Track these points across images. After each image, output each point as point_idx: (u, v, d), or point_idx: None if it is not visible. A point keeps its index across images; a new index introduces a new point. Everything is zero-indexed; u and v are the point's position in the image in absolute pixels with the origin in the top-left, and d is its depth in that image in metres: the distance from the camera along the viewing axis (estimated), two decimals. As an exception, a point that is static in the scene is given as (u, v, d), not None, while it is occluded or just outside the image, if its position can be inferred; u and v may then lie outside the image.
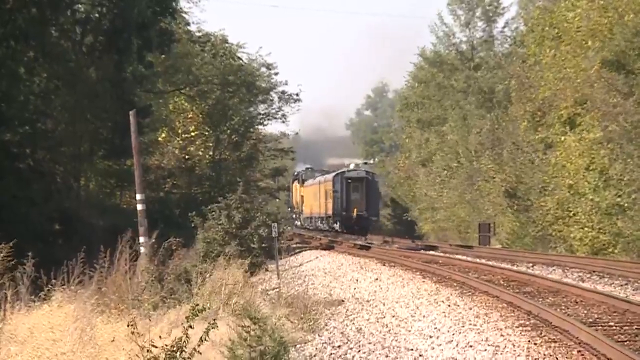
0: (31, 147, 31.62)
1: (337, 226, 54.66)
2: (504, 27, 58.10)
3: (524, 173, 39.82)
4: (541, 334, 14.33)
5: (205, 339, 9.93)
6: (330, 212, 55.88)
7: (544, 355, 12.77)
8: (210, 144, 49.48)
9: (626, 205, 31.33)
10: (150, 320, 13.43)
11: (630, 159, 31.44)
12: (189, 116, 48.70)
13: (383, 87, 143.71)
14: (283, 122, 54.95)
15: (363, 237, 47.33)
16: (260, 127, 55.05)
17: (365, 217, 53.11)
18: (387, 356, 13.29)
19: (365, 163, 68.59)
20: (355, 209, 53.19)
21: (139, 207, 21.93)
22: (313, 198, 61.82)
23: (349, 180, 54.13)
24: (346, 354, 13.52)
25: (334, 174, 56.88)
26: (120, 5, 33.88)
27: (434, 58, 60.11)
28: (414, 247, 38.58)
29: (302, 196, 65.04)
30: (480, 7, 57.82)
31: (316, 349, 14.04)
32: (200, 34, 48.39)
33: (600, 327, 14.57)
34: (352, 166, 59.95)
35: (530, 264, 27.46)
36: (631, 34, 31.40)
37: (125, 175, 35.26)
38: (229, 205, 28.44)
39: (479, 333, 14.73)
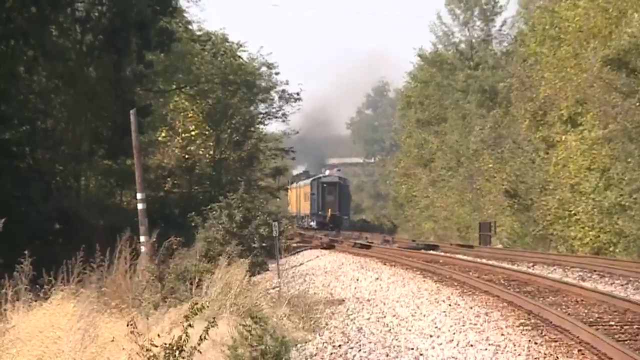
0: (30, 146, 31.59)
1: (313, 224, 63.45)
2: (501, 25, 58.13)
3: (525, 172, 39.78)
4: (542, 333, 14.32)
5: (205, 338, 9.91)
6: (308, 211, 65.25)
7: (545, 354, 12.75)
8: (211, 144, 49.45)
9: (627, 204, 31.31)
10: (148, 319, 13.42)
11: (631, 159, 31.42)
12: (190, 115, 48.67)
13: (383, 86, 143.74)
14: (283, 121, 55.10)
15: (345, 233, 54.37)
16: (260, 126, 55.18)
17: (338, 216, 62.70)
18: (387, 355, 13.27)
19: (339, 170, 77.31)
20: (329, 210, 62.39)
21: (140, 206, 21.88)
22: (296, 199, 71.07)
23: (324, 185, 63.96)
24: (347, 354, 13.51)
25: (311, 179, 66.45)
26: (119, 4, 33.84)
27: (433, 57, 60.07)
28: (414, 246, 38.55)
29: (288, 197, 72.56)
30: (477, 6, 57.77)
31: (317, 348, 14.03)
32: (200, 33, 48.37)
33: (600, 327, 14.56)
34: (327, 172, 69.46)
35: (531, 264, 27.45)
36: (637, 29, 31.31)
37: (126, 175, 35.21)
38: (229, 204, 28.44)
39: (479, 332, 14.71)
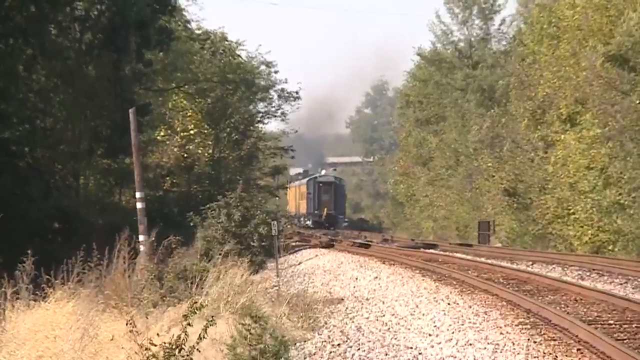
0: (30, 145, 31.54)
1: (309, 223, 65.01)
2: (500, 24, 58.11)
3: (524, 171, 39.78)
4: (541, 332, 14.34)
5: (204, 337, 9.92)
6: (304, 210, 67.04)
7: (544, 353, 12.77)
8: (210, 142, 49.40)
9: (626, 203, 31.32)
10: (147, 318, 13.43)
11: (629, 157, 31.42)
12: (188, 114, 48.63)
13: (382, 85, 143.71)
14: (282, 120, 55.03)
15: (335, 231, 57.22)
16: (260, 125, 55.14)
17: (334, 215, 64.47)
18: (386, 354, 13.28)
19: (334, 169, 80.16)
20: (325, 209, 64.15)
21: (139, 205, 21.86)
22: (293, 198, 72.56)
23: (320, 184, 65.92)
24: (345, 353, 13.51)
25: (307, 178, 68.45)
26: (118, 3, 33.80)
27: (432, 56, 60.05)
28: (413, 245, 38.55)
29: (287, 197, 73.71)
30: (476, 5, 57.74)
31: (316, 347, 14.04)
32: (199, 31, 48.32)
33: (599, 325, 14.58)
34: (323, 172, 71.73)
35: (530, 262, 27.46)
36: (636, 26, 31.28)
37: (125, 174, 35.19)
38: (228, 203, 28.42)
39: (478, 331, 14.73)
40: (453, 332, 14.73)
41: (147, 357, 9.64)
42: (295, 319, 16.09)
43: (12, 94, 30.20)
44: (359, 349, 13.67)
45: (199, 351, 9.93)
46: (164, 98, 45.41)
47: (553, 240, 36.71)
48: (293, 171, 78.15)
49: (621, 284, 20.94)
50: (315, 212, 64.81)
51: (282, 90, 53.53)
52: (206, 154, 49.04)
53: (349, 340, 14.39)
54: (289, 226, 41.73)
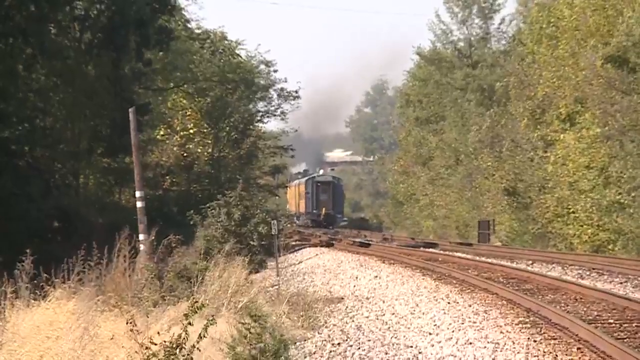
0: (30, 145, 31.54)
1: (308, 222, 65.26)
2: (500, 23, 58.12)
3: (524, 171, 39.78)
4: (541, 331, 14.34)
5: (204, 336, 9.92)
6: (303, 210, 67.93)
7: (544, 352, 12.77)
8: (209, 142, 49.42)
9: (626, 202, 31.33)
10: (147, 317, 13.43)
11: (629, 157, 31.43)
12: (188, 113, 48.65)
13: (382, 84, 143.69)
14: (282, 119, 55.03)
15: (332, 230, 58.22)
16: (259, 124, 55.14)
17: (332, 214, 65.48)
18: (386, 353, 13.28)
19: (332, 169, 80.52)
20: (323, 208, 65.08)
21: (139, 204, 21.87)
22: (292, 198, 73.44)
23: (318, 184, 66.64)
24: (345, 352, 13.52)
25: (306, 178, 69.25)
26: (118, 2, 33.79)
27: (432, 56, 60.05)
28: (413, 244, 38.55)
29: (287, 196, 75.16)
30: (476, 4, 57.73)
31: (316, 346, 14.05)
32: (199, 31, 48.33)
33: (599, 325, 14.59)
34: (321, 172, 72.71)
35: (530, 262, 27.47)
36: (637, 25, 31.28)
37: (124, 173, 35.20)
38: (228, 202, 28.43)
39: (478, 330, 14.73)
40: (453, 331, 14.74)
41: (148, 356, 9.65)
42: (295, 318, 16.10)
43: (12, 93, 30.20)
44: (359, 348, 13.67)
45: (199, 350, 9.94)
46: (163, 97, 45.40)
47: (553, 239, 36.72)
48: (295, 170, 78.65)
49: (621, 283, 20.95)
50: (314, 211, 65.89)
51: (282, 89, 53.59)
52: (206, 153, 49.06)
53: (349, 339, 14.40)
54: (289, 225, 41.72)
